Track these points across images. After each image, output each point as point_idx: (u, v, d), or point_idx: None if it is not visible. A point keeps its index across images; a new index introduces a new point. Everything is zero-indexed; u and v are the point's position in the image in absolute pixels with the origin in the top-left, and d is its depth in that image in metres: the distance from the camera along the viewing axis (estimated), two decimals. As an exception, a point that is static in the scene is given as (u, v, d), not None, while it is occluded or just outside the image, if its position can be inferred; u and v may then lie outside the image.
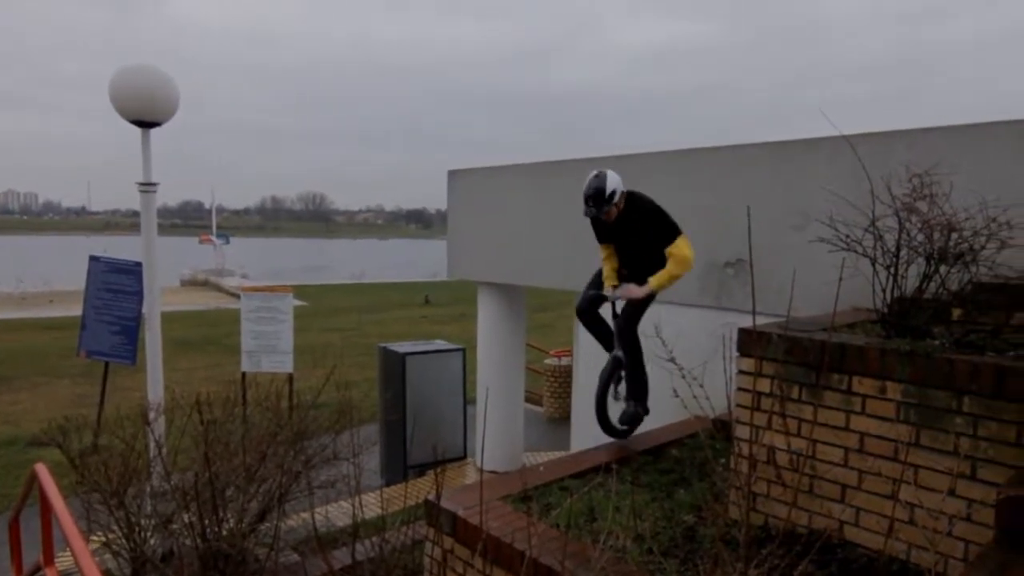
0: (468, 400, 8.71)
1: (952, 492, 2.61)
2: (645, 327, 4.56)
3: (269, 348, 7.76)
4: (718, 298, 5.26)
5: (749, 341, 3.23)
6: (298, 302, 19.15)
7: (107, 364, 7.28)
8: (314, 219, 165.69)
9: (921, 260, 3.18)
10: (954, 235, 3.10)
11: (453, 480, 7.73)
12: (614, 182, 4.09)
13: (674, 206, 5.54)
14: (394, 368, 8.10)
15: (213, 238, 43.83)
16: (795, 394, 3.08)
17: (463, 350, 8.63)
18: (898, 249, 3.19)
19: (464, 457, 8.56)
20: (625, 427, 4.47)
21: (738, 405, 3.25)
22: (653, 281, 4.08)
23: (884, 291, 3.20)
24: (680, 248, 4.07)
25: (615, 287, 4.30)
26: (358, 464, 3.41)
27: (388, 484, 7.76)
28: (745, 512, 2.06)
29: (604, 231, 4.35)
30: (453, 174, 8.07)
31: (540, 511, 3.37)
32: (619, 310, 4.34)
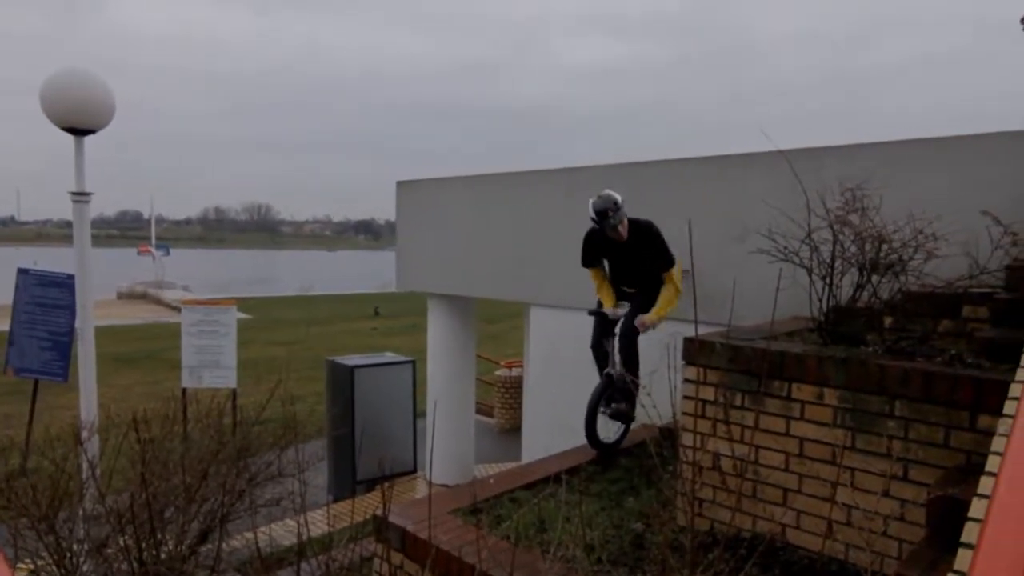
0: (418, 413, 8.62)
1: (886, 493, 2.72)
2: (589, 340, 4.63)
3: (211, 363, 7.53)
4: (664, 308, 5.35)
5: (693, 350, 3.30)
6: (242, 315, 18.68)
7: (36, 382, 6.94)
8: (259, 230, 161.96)
9: (854, 270, 3.31)
10: (884, 246, 3.24)
11: (403, 495, 7.63)
12: (616, 195, 4.33)
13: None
14: (342, 381, 7.96)
15: (152, 249, 42.36)
16: (738, 401, 3.16)
17: (413, 362, 8.56)
18: (833, 260, 3.31)
19: (414, 471, 8.46)
20: (613, 440, 4.56)
21: (684, 413, 3.31)
22: (660, 311, 4.39)
23: (820, 300, 3.32)
24: (676, 276, 4.43)
25: (615, 307, 4.56)
26: (304, 481, 3.33)
27: (336, 500, 7.60)
28: (690, 518, 2.10)
29: (601, 251, 4.55)
30: (402, 185, 8.03)
31: (490, 523, 3.36)
32: (618, 328, 4.49)
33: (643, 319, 4.35)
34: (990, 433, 2.22)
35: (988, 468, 1.53)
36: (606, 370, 4.46)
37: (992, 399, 2.40)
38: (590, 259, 4.64)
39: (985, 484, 1.44)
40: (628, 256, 4.49)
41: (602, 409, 4.43)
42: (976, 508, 1.50)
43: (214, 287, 39.49)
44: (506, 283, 6.73)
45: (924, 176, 3.91)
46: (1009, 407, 1.72)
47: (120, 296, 35.84)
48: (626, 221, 4.33)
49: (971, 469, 2.44)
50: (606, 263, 4.69)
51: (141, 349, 18.42)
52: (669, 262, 4.39)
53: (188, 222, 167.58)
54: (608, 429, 4.51)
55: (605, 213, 4.23)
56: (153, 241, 44.31)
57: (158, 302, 33.22)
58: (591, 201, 4.31)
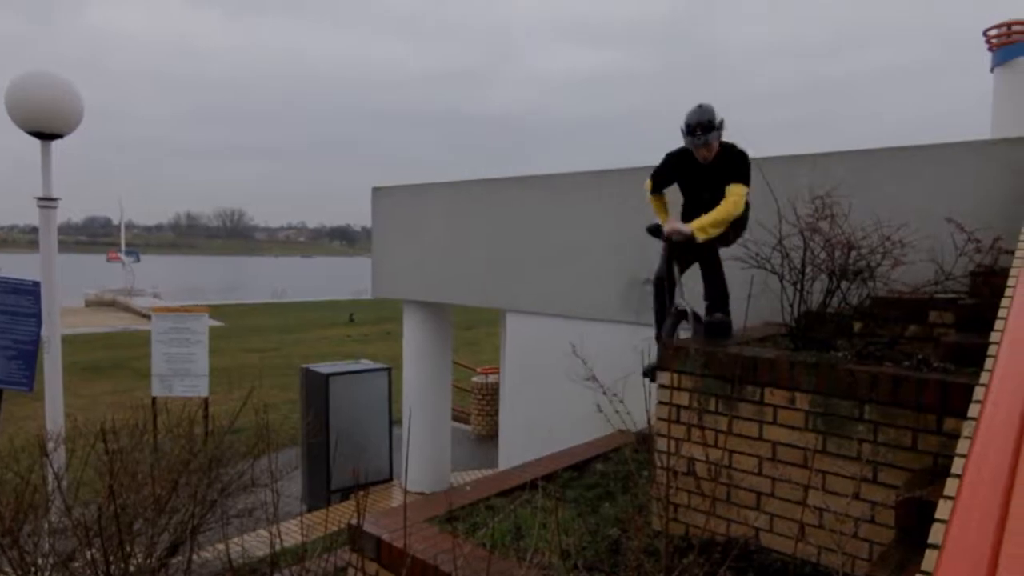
0: (394, 420, 8.56)
1: (857, 496, 2.76)
2: (565, 346, 4.62)
3: (182, 371, 7.41)
4: (638, 314, 5.40)
5: (667, 356, 3.33)
6: (214, 322, 18.40)
7: (1, 392, 6.76)
8: (232, 236, 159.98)
9: (824, 276, 3.37)
10: (853, 253, 3.31)
11: (378, 503, 7.56)
12: (719, 113, 3.76)
13: (595, 224, 5.68)
14: (317, 389, 7.88)
15: (121, 255, 41.56)
16: (712, 406, 3.19)
17: (389, 369, 8.50)
18: (803, 266, 3.37)
19: (390, 479, 8.39)
20: None
21: (658, 418, 3.33)
22: (705, 221, 3.67)
23: (792, 306, 3.38)
24: (741, 196, 3.67)
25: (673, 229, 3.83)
26: (277, 490, 3.29)
27: (310, 510, 7.51)
28: (665, 523, 2.11)
29: (678, 174, 3.95)
30: (378, 191, 7.99)
31: (466, 531, 3.34)
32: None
33: (676, 225, 3.77)
34: (956, 436, 2.28)
35: (954, 470, 1.56)
36: (674, 305, 3.85)
37: (957, 402, 2.46)
38: (662, 181, 4.02)
39: (951, 486, 1.47)
40: (707, 183, 3.85)
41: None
42: (942, 510, 1.53)
43: (186, 294, 38.90)
44: (482, 290, 6.73)
45: (891, 184, 3.99)
46: (973, 410, 1.76)
47: (88, 304, 35.10)
48: (716, 144, 3.75)
49: (938, 471, 2.49)
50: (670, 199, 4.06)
51: (110, 358, 18.05)
52: (741, 176, 3.72)
53: (159, 228, 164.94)
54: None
55: (695, 129, 3.68)
56: (123, 247, 43.46)
57: (128, 309, 32.59)
58: (688, 111, 3.77)
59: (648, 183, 4.04)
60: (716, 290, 3.82)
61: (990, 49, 10.62)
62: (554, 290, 5.99)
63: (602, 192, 5.69)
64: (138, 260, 42.97)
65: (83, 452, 4.05)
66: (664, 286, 3.90)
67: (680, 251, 3.80)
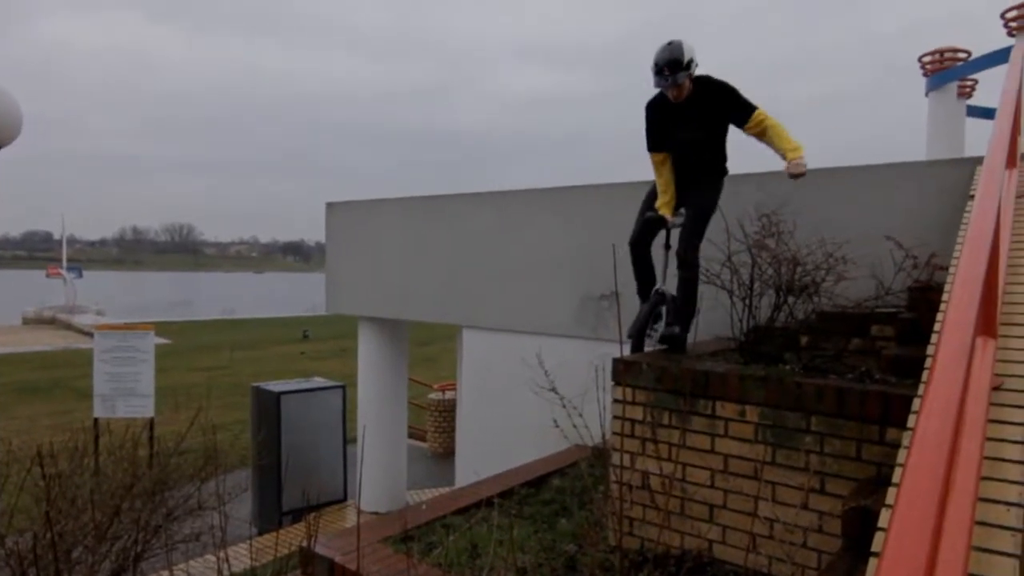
0: (348, 439, 8.42)
1: (805, 506, 2.82)
2: (526, 358, 4.62)
3: (126, 391, 7.16)
4: (595, 329, 5.45)
5: (621, 370, 3.37)
6: (161, 340, 17.84)
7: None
8: (181, 251, 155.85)
9: (772, 292, 3.47)
10: (799, 269, 3.41)
11: (331, 524, 7.40)
12: (690, 50, 3.52)
13: (551, 240, 5.73)
14: (268, 408, 7.70)
15: (62, 271, 40.01)
16: (665, 420, 3.23)
17: (343, 387, 8.37)
18: (752, 282, 3.46)
19: (344, 499, 8.23)
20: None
21: (613, 433, 3.36)
22: (793, 144, 3.50)
23: (741, 321, 3.46)
24: (762, 115, 3.56)
25: (674, 215, 3.74)
26: (225, 513, 3.20)
27: (261, 533, 7.30)
28: (619, 538, 2.12)
29: (663, 125, 3.73)
30: (332, 207, 7.90)
31: (422, 551, 3.30)
32: (672, 241, 3.76)
33: (796, 164, 3.44)
34: (897, 445, 2.36)
35: (894, 479, 1.62)
36: (656, 287, 3.73)
37: (898, 413, 2.55)
38: (654, 133, 3.74)
39: (891, 495, 1.52)
40: (685, 123, 3.65)
41: (649, 332, 3.71)
42: (883, 518, 1.58)
43: (130, 311, 37.64)
44: (439, 306, 6.70)
45: (833, 203, 4.14)
46: (912, 421, 1.83)
47: (26, 321, 33.62)
48: (687, 83, 3.55)
49: (881, 481, 2.57)
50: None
51: (48, 378, 17.30)
52: (746, 106, 3.58)
53: (103, 243, 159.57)
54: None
55: (663, 69, 3.48)
56: (64, 263, 41.86)
57: (68, 327, 31.34)
58: (656, 49, 3.54)
59: (651, 157, 3.81)
60: (687, 304, 3.72)
61: (925, 75, 11.16)
62: (511, 306, 6.01)
63: (557, 208, 5.75)
64: (80, 276, 41.41)
65: (18, 477, 3.86)
66: (640, 251, 3.75)
67: (657, 232, 3.72)
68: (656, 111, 3.74)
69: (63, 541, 3.39)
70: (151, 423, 6.86)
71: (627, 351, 3.30)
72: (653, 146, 3.77)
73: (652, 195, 3.86)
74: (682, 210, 3.73)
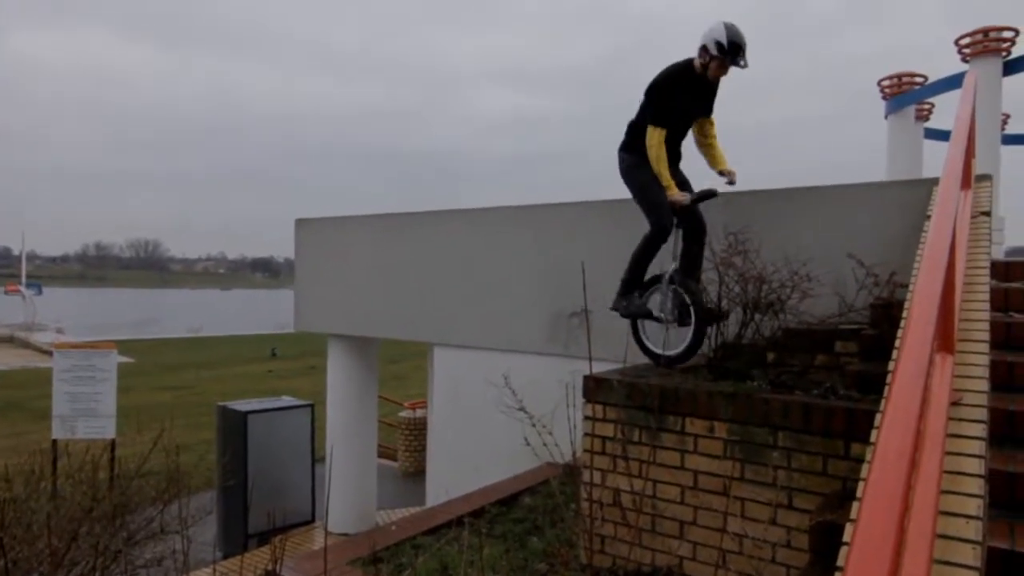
0: (317, 459, 8.28)
1: (774, 521, 2.85)
2: (497, 376, 4.61)
3: (87, 411, 6.95)
4: (566, 346, 5.47)
5: (592, 387, 3.38)
6: (124, 359, 17.40)
7: None
8: (146, 268, 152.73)
9: (739, 309, 3.52)
10: (765, 287, 3.47)
11: (299, 547, 7.25)
12: None
13: (522, 257, 5.75)
14: (234, 428, 7.54)
15: (22, 288, 38.91)
16: (636, 437, 3.25)
17: (311, 406, 8.24)
18: (719, 299, 3.51)
19: (312, 520, 8.08)
20: (681, 350, 3.61)
21: (584, 450, 3.36)
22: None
23: (709, 337, 3.50)
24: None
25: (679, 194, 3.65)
26: (188, 537, 3.11)
27: (226, 557, 7.13)
28: (590, 556, 2.12)
29: (681, 97, 3.66)
30: (301, 223, 7.83)
31: (391, 573, 3.25)
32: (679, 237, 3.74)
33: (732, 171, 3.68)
34: (861, 460, 2.40)
35: (859, 494, 1.65)
36: (671, 269, 3.67)
37: (862, 428, 2.60)
38: (672, 111, 3.64)
39: (855, 509, 1.54)
40: (697, 102, 3.73)
41: (663, 315, 3.63)
42: (848, 532, 1.61)
43: (92, 329, 36.67)
44: (409, 323, 6.66)
45: (797, 222, 4.23)
46: (875, 436, 1.87)
47: (-18, 340, 32.56)
48: None
49: (847, 495, 2.60)
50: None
51: (4, 397, 16.75)
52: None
53: (66, 259, 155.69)
54: (658, 340, 3.74)
55: (741, 50, 3.47)
56: (23, 279, 40.74)
57: (27, 346, 30.42)
58: (723, 25, 3.45)
59: (653, 132, 3.61)
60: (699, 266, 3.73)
61: (884, 98, 11.51)
62: (481, 323, 6.00)
63: (528, 226, 5.78)
64: (40, 293, 40.34)
65: (-30, 503, 3.72)
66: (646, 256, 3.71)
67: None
68: (680, 82, 3.63)
69: (17, 569, 3.27)
70: (112, 444, 6.67)
71: (597, 367, 3.30)
72: (663, 120, 3.64)
73: (654, 178, 3.67)
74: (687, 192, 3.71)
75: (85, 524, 3.58)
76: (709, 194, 3.68)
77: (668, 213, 3.63)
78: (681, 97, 3.66)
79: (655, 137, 3.61)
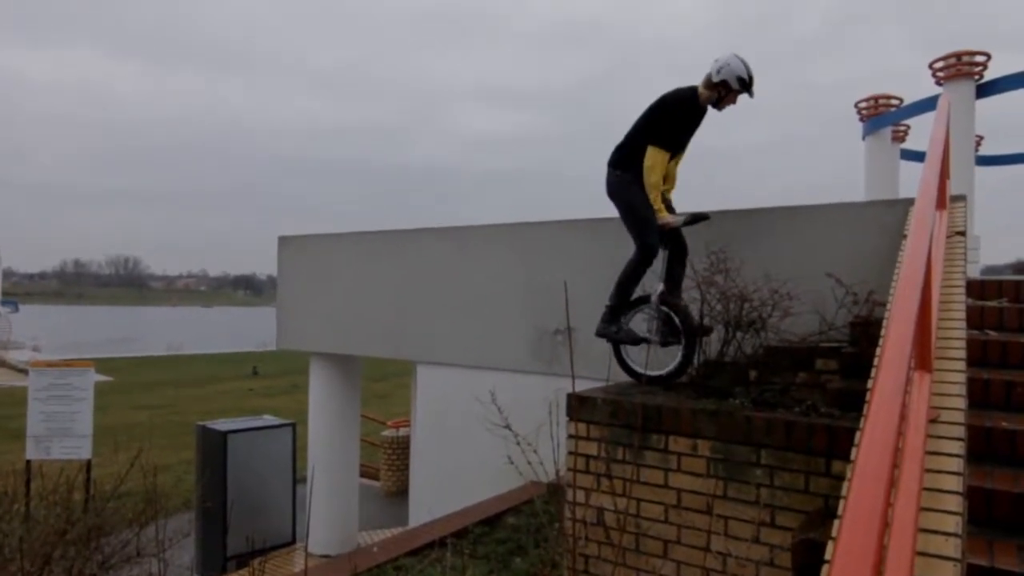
0: (299, 479, 8.17)
1: (756, 539, 2.85)
2: (481, 394, 4.59)
3: (62, 431, 6.81)
4: (550, 364, 5.47)
5: (575, 405, 3.37)
6: (102, 377, 17.13)
7: None
8: (125, 284, 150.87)
9: (721, 327, 3.54)
10: (746, 305, 3.50)
11: (279, 569, 7.12)
12: None
13: (505, 275, 5.76)
14: (214, 448, 7.43)
15: (-3, 305, 38.27)
16: (620, 455, 3.24)
17: (293, 425, 8.14)
18: (701, 317, 3.53)
19: (292, 542, 7.95)
20: (672, 369, 3.64)
21: (568, 469, 3.35)
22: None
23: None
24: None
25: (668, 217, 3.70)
26: (165, 560, 3.05)
27: (204, 579, 6.99)
28: (574, 576, 2.11)
29: (684, 124, 3.74)
30: (284, 240, 7.80)
31: (373, 594, 3.21)
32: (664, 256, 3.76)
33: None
34: (842, 478, 2.41)
35: (840, 511, 1.65)
36: (659, 290, 3.66)
37: (843, 445, 2.61)
38: (675, 137, 3.69)
39: (836, 527, 1.55)
40: (692, 131, 3.82)
41: (650, 336, 3.62)
42: (830, 550, 1.61)
43: (70, 347, 36.06)
44: (392, 342, 6.63)
45: (777, 241, 4.28)
46: (855, 453, 1.88)
47: (-45, 358, 31.91)
48: None
49: (829, 513, 2.62)
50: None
51: (-23, 418, 16.37)
52: None
53: (43, 276, 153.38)
54: (640, 359, 3.73)
55: (750, 83, 3.57)
56: (-1, 296, 40.07)
57: (2, 364, 29.85)
58: (740, 60, 3.55)
59: (657, 153, 3.60)
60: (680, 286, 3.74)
61: (861, 120, 11.74)
62: (465, 341, 5.99)
63: (512, 244, 5.80)
64: (16, 310, 39.71)
65: (-61, 526, 3.63)
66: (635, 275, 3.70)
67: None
68: (686, 109, 3.67)
69: (-14, 594, 3.19)
70: (88, 465, 6.53)
71: (580, 385, 3.30)
72: (667, 142, 3.64)
73: (646, 197, 3.67)
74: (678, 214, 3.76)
75: (59, 547, 3.50)
76: (701, 217, 3.70)
77: (656, 233, 3.64)
78: (683, 123, 3.72)
79: (657, 158, 3.60)
